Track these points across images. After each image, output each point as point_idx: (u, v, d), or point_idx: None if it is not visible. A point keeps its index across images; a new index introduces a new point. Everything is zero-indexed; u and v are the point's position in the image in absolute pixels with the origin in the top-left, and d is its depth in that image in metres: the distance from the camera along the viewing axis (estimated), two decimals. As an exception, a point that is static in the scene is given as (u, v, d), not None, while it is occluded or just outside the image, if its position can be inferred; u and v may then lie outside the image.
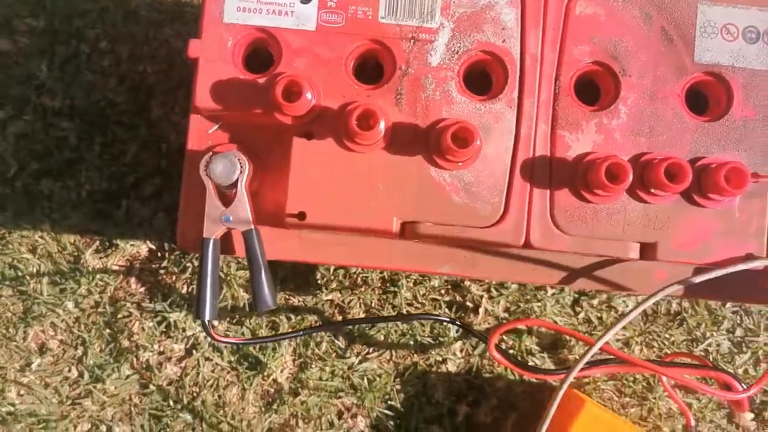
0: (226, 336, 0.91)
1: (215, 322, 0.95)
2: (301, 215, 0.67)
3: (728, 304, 1.00)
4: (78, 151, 0.98)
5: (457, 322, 0.76)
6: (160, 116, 0.99)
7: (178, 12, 1.01)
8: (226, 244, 0.71)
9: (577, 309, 1.01)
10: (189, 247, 0.71)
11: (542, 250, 0.69)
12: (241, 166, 0.67)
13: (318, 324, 0.95)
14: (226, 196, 0.68)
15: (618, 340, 1.01)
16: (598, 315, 1.01)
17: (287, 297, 0.99)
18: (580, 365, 0.68)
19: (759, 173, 0.69)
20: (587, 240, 0.69)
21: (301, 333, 0.83)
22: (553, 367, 0.97)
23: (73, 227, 0.98)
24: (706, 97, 0.73)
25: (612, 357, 0.74)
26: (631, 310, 0.67)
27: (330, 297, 0.99)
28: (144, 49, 1.00)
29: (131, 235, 0.98)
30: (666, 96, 0.69)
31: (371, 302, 1.00)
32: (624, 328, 1.01)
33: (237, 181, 0.67)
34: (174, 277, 0.98)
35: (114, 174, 0.98)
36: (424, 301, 1.00)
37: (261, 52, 0.71)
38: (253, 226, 0.67)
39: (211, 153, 0.67)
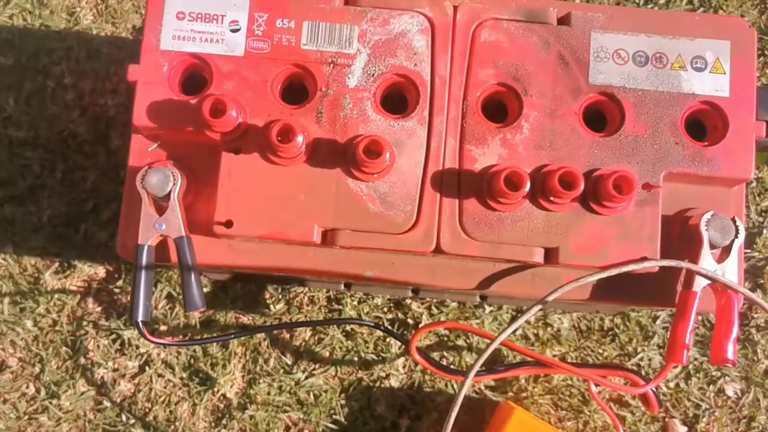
0: (161, 338, 0.96)
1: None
2: (229, 223, 0.73)
3: (658, 320, 1.05)
4: (41, 179, 1.05)
5: (381, 327, 0.81)
6: (119, 146, 1.05)
7: (138, 49, 1.08)
8: (162, 252, 0.76)
9: (518, 330, 1.06)
10: (128, 255, 0.77)
11: (452, 255, 0.75)
12: (174, 179, 0.73)
13: (235, 331, 1.00)
14: (162, 208, 0.74)
15: (554, 356, 1.05)
16: (535, 332, 1.05)
17: (237, 316, 1.04)
18: (481, 360, 0.73)
19: (650, 183, 0.75)
20: (494, 245, 0.74)
21: (230, 336, 0.88)
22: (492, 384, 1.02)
23: (34, 250, 1.04)
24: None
25: (530, 359, 0.78)
26: (528, 308, 0.72)
27: (277, 315, 1.04)
28: (105, 84, 1.07)
29: (89, 257, 1.04)
30: (564, 114, 0.76)
31: (318, 319, 1.05)
32: (560, 343, 1.05)
33: (170, 192, 0.73)
34: (129, 297, 1.03)
35: (74, 200, 1.04)
36: (367, 319, 1.05)
37: (197, 77, 0.77)
38: (184, 234, 0.73)
39: (147, 167, 0.74)
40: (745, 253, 1.06)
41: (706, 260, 0.74)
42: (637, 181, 0.72)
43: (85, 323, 1.03)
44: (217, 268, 0.82)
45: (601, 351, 1.05)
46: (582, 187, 0.71)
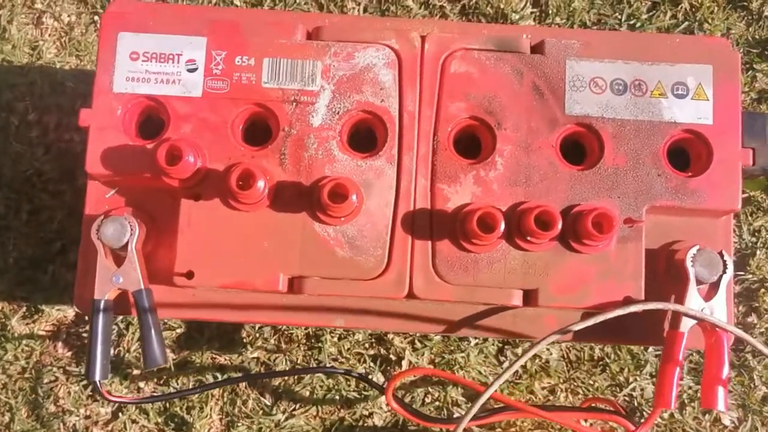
0: (121, 396, 0.92)
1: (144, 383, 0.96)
2: (190, 275, 0.70)
3: (650, 348, 1.01)
4: (5, 220, 1.01)
5: (354, 374, 0.77)
6: (86, 184, 1.01)
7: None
8: (122, 304, 0.73)
9: (501, 358, 1.02)
10: (86, 308, 0.73)
11: (426, 300, 0.71)
12: (132, 229, 0.70)
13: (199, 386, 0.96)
14: (121, 258, 0.71)
15: (543, 388, 1.02)
16: (522, 363, 1.01)
17: (213, 356, 1.01)
18: (469, 416, 0.69)
19: (633, 218, 0.71)
20: (470, 289, 0.71)
21: (195, 391, 0.84)
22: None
23: (0, 294, 1.00)
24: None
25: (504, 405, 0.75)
26: (515, 361, 0.68)
27: (255, 355, 1.01)
28: (71, 119, 1.04)
29: (58, 300, 1.00)
30: (540, 147, 0.72)
31: (297, 358, 1.01)
32: (549, 375, 1.02)
33: (127, 243, 0.69)
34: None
35: (41, 241, 1.01)
36: (348, 356, 1.01)
37: (155, 119, 0.74)
38: (143, 287, 0.69)
39: (102, 216, 0.70)
40: (738, 275, 1.03)
41: (693, 298, 0.70)
42: (617, 218, 0.68)
43: (55, 369, 0.99)
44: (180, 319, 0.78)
45: (591, 382, 1.01)
46: (560, 226, 0.68)
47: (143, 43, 0.73)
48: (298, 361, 1.01)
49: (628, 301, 0.70)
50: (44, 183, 1.02)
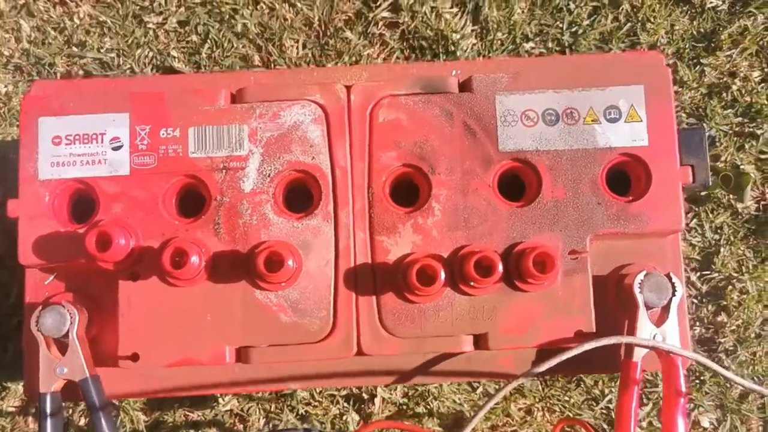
0: None
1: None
2: (135, 357, 0.69)
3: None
4: (-39, 299, 1.00)
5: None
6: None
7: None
8: (72, 391, 0.72)
9: (475, 384, 1.02)
10: (36, 399, 0.72)
11: (376, 356, 0.70)
12: (72, 317, 0.69)
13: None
14: (64, 345, 0.70)
15: (520, 410, 1.01)
16: (497, 386, 1.01)
17: (186, 414, 1.00)
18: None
19: (577, 249, 0.70)
20: (419, 340, 0.70)
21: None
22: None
23: (-36, 375, 0.99)
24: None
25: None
26: (479, 410, 0.67)
27: (228, 407, 1.00)
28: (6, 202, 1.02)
29: (22, 376, 0.99)
30: (477, 188, 0.71)
31: (270, 407, 1.01)
32: (524, 396, 1.01)
33: (68, 331, 0.68)
34: (70, 410, 0.99)
35: (-1, 317, 1.00)
36: (321, 399, 1.00)
37: (86, 199, 0.73)
38: (88, 375, 0.68)
39: (40, 307, 0.69)
40: (704, 274, 1.02)
41: (644, 324, 0.70)
42: (559, 255, 0.68)
43: (28, 444, 0.98)
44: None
45: (567, 398, 1.01)
46: (500, 270, 0.67)
47: (66, 126, 0.71)
48: (272, 409, 1.00)
49: (579, 334, 0.69)
50: (-2, 259, 1.01)
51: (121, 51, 1.05)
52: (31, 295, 0.73)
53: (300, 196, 0.74)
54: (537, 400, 1.01)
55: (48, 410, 0.68)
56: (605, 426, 1.00)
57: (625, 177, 0.75)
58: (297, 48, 1.06)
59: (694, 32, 1.09)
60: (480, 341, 0.70)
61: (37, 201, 0.70)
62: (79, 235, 0.70)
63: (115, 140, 0.71)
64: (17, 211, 0.70)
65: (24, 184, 0.71)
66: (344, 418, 1.00)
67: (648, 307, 0.70)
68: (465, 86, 0.74)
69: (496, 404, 1.00)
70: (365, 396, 1.00)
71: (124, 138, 0.71)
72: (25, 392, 0.73)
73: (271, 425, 1.00)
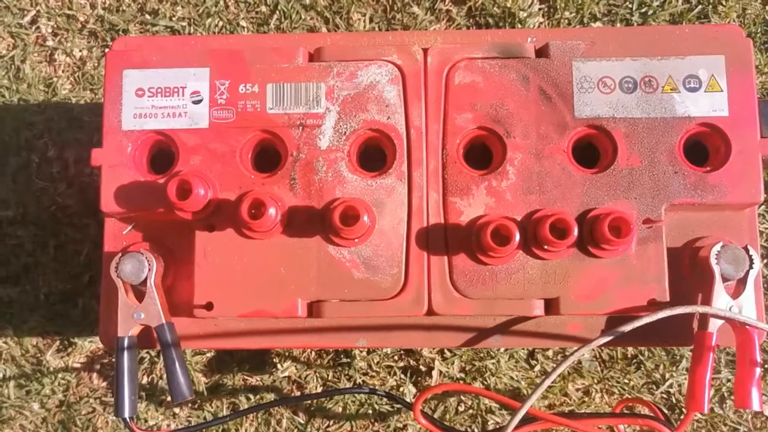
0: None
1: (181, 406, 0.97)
2: (209, 306, 0.70)
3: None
4: (34, 256, 1.03)
5: (379, 392, 0.77)
6: (108, 215, 1.03)
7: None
8: (147, 339, 0.73)
9: (533, 362, 1.01)
10: (111, 345, 0.74)
11: (446, 316, 0.70)
12: (150, 265, 0.70)
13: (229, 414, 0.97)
14: (142, 293, 0.71)
15: (578, 390, 1.00)
16: (555, 365, 1.00)
17: (245, 378, 1.01)
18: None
19: (651, 218, 0.70)
20: (490, 302, 0.70)
21: (225, 419, 0.83)
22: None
23: (33, 330, 1.02)
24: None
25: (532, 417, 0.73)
26: (549, 373, 0.67)
27: (286, 373, 1.01)
28: (90, 153, 1.05)
29: (90, 332, 1.02)
30: (552, 153, 0.71)
31: (328, 375, 1.01)
32: (582, 377, 1.00)
33: (146, 279, 0.70)
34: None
35: (69, 275, 1.02)
36: (378, 369, 1.01)
37: (166, 152, 0.74)
38: (164, 321, 0.70)
39: (120, 254, 0.71)
40: (771, 262, 1.00)
41: (720, 296, 0.68)
42: (634, 220, 0.67)
43: (91, 400, 1.01)
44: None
45: (626, 381, 1.00)
46: (576, 233, 0.66)
47: (148, 79, 0.73)
48: (329, 377, 1.01)
49: (652, 303, 0.69)
50: (69, 217, 1.03)
51: (192, 20, 1.07)
52: (110, 245, 0.75)
53: (375, 155, 0.74)
54: (595, 381, 1.00)
55: (125, 354, 0.70)
56: (665, 410, 0.98)
57: (699, 149, 0.74)
58: (364, 21, 1.07)
59: (767, 17, 1.08)
60: (551, 306, 0.70)
61: (119, 151, 0.72)
62: (159, 185, 0.71)
63: (195, 94, 0.72)
64: (100, 160, 0.72)
65: (108, 134, 0.72)
66: (401, 389, 1.00)
67: (724, 280, 0.69)
68: (541, 52, 0.74)
69: (553, 383, 0.99)
70: (423, 369, 1.00)
71: (204, 92, 0.73)
72: (101, 339, 0.75)
73: (327, 393, 1.01)
